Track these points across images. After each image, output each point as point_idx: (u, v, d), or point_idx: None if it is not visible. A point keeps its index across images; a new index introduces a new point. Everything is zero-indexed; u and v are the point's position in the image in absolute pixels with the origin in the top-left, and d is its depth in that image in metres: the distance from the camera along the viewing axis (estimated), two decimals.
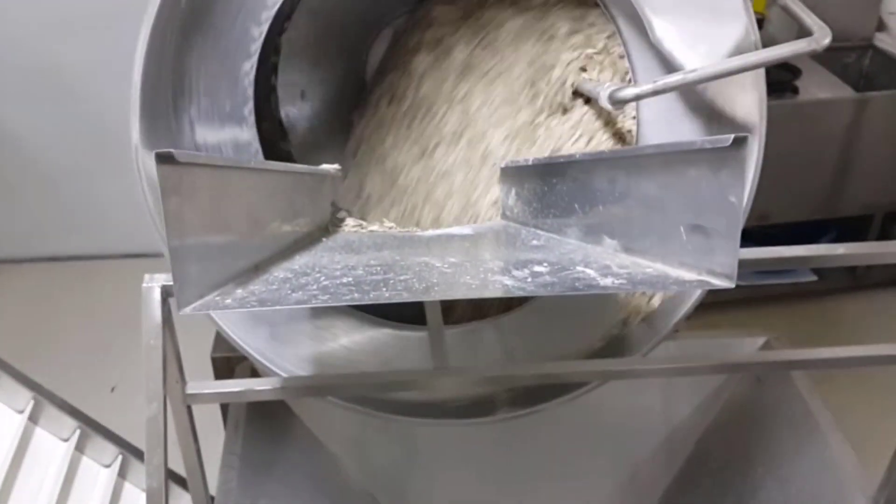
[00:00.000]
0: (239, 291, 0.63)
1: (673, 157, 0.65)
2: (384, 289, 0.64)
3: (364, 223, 1.10)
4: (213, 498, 1.00)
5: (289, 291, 0.63)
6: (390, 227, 1.12)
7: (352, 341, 0.99)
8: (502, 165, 1.06)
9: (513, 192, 1.05)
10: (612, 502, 1.14)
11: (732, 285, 0.61)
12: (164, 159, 0.54)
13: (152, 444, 0.72)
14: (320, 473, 1.16)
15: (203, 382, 0.81)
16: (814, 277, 2.31)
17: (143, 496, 0.75)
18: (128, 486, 1.07)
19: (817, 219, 2.20)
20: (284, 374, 0.91)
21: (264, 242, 0.75)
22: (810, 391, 1.16)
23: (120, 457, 1.06)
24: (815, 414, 1.13)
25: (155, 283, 0.74)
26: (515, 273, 0.68)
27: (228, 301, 0.60)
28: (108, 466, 1.05)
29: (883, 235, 2.23)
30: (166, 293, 0.73)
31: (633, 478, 1.12)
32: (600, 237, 0.78)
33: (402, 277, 0.68)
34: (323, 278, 0.68)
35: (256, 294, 0.63)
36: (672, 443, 1.14)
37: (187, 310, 0.58)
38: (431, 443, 1.16)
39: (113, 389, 2.05)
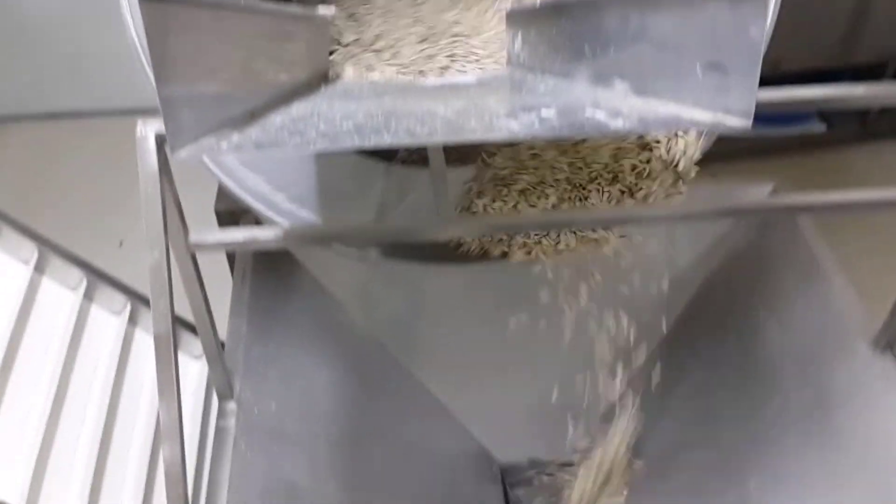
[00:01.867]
0: (235, 136, 0.61)
1: None
2: (385, 133, 0.62)
3: (364, 71, 1.06)
4: (223, 343, 1.02)
5: (286, 136, 0.61)
6: (391, 76, 1.09)
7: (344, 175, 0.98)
8: (508, 9, 1.01)
9: (519, 36, 1.00)
10: (615, 344, 1.16)
11: (749, 125, 0.59)
12: None
13: (157, 291, 0.72)
14: (327, 320, 1.18)
15: (206, 231, 0.81)
16: (823, 127, 2.26)
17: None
18: (139, 333, 1.09)
19: (830, 67, 2.12)
20: (286, 223, 0.91)
21: (260, 90, 0.72)
22: (815, 236, 1.16)
23: (129, 305, 1.07)
24: (820, 259, 1.13)
25: (149, 129, 0.71)
26: (522, 117, 0.66)
27: (224, 145, 0.58)
28: (118, 314, 1.06)
29: None
30: (161, 140, 0.71)
31: (635, 321, 1.14)
32: (611, 80, 0.74)
33: (404, 122, 0.65)
34: (322, 124, 0.66)
35: (253, 138, 0.61)
36: (675, 287, 1.15)
37: (181, 153, 0.56)
38: (438, 288, 1.17)
39: (121, 244, 2.07)
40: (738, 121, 0.59)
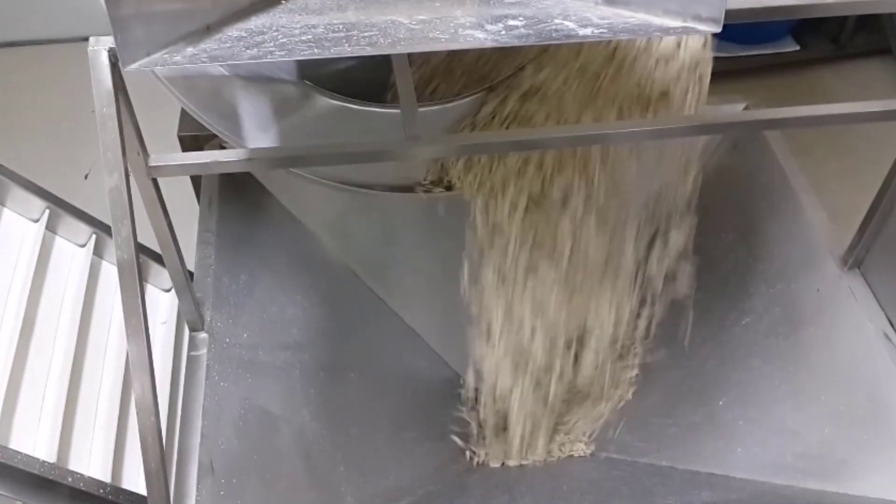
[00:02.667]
0: (189, 49, 0.59)
1: None
2: (346, 44, 0.60)
3: None
4: (191, 274, 1.01)
5: (243, 49, 0.59)
6: None
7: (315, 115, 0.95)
8: None
9: None
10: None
11: (719, 29, 0.57)
12: None
13: (118, 216, 0.70)
14: (298, 249, 1.16)
15: (166, 154, 0.78)
16: (796, 46, 2.25)
17: None
18: (105, 265, 1.07)
19: None
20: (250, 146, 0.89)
21: (216, 4, 0.69)
22: (787, 157, 1.16)
23: (94, 236, 1.05)
24: (791, 179, 1.13)
25: (101, 45, 0.68)
26: (489, 27, 0.64)
27: (177, 58, 0.56)
28: (83, 246, 1.04)
29: None
30: (115, 56, 0.68)
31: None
32: None
33: (365, 34, 0.63)
34: (280, 36, 0.63)
35: (208, 52, 0.59)
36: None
37: (132, 66, 0.54)
38: (409, 216, 1.15)
39: (86, 177, 2.02)
40: (708, 26, 0.58)
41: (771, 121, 0.87)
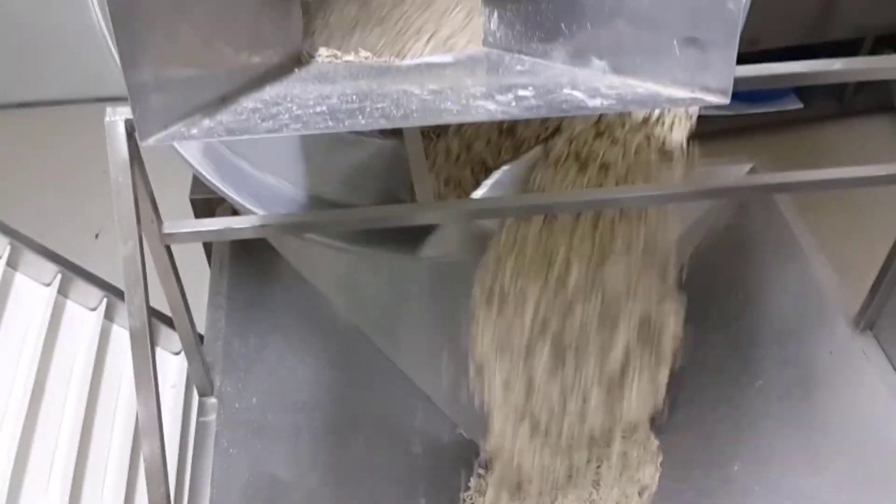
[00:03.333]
0: (206, 122, 0.60)
1: None
2: (360, 117, 0.60)
3: (339, 53, 1.05)
4: (202, 336, 1.01)
5: (259, 121, 0.60)
6: (366, 58, 1.07)
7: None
8: None
9: (495, 14, 0.99)
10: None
11: (727, 101, 0.58)
12: None
13: (131, 284, 0.71)
14: (307, 310, 1.17)
15: (180, 221, 0.79)
16: (799, 105, 2.27)
17: None
18: (116, 329, 1.07)
19: (807, 44, 2.13)
20: (261, 210, 0.89)
21: (231, 73, 0.70)
22: (794, 216, 1.16)
23: (105, 299, 1.05)
24: (799, 238, 1.13)
25: (118, 116, 0.70)
26: (499, 98, 0.65)
27: (194, 131, 0.57)
28: (93, 310, 1.04)
29: None
30: (131, 127, 0.70)
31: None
32: (588, 59, 0.74)
33: (378, 105, 0.64)
34: (295, 108, 0.64)
35: (224, 124, 0.59)
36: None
37: (150, 141, 0.55)
38: (418, 277, 1.16)
39: (97, 236, 2.04)
40: (716, 97, 0.59)
41: (778, 185, 0.88)
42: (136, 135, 0.59)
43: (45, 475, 0.89)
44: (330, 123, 0.58)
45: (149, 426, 0.75)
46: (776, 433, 1.07)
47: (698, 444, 1.16)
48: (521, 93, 0.66)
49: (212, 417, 0.93)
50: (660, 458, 1.20)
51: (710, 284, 1.17)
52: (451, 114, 0.61)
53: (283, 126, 0.58)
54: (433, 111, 0.61)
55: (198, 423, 0.91)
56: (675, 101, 0.60)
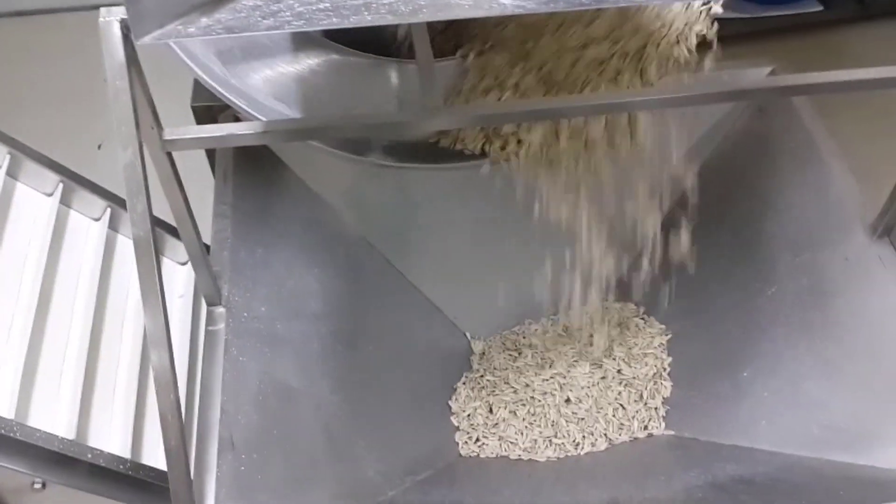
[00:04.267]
0: (203, 20, 0.57)
1: None
2: (366, 12, 0.57)
3: None
4: (208, 247, 1.00)
5: (259, 18, 0.57)
6: None
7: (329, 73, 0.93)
8: None
9: None
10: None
11: None
12: None
13: (133, 191, 0.69)
14: (314, 221, 1.15)
15: (181, 128, 0.77)
16: (819, 7, 2.20)
17: None
18: (121, 238, 1.06)
19: None
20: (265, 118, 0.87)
21: None
22: (814, 120, 1.13)
23: (109, 209, 1.04)
24: (818, 143, 1.10)
25: (113, 17, 0.66)
26: None
27: (191, 30, 0.54)
28: (97, 220, 1.03)
29: None
30: (127, 28, 0.66)
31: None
32: None
33: (385, 0, 0.61)
34: (297, 4, 0.61)
35: (223, 22, 0.56)
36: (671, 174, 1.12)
37: (146, 39, 0.52)
38: (427, 187, 1.14)
39: (100, 147, 2.01)
40: None
41: (798, 86, 0.84)
42: (132, 35, 0.56)
43: (55, 387, 0.90)
44: (334, 20, 0.55)
45: (157, 336, 0.75)
46: (786, 340, 1.06)
47: (708, 349, 1.15)
48: None
49: (220, 326, 0.92)
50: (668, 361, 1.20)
51: (726, 189, 1.14)
52: (462, 8, 0.57)
53: (285, 23, 0.55)
54: (443, 5, 0.57)
55: (206, 332, 0.91)
56: None
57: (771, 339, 1.08)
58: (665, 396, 1.17)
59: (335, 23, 0.55)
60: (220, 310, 0.94)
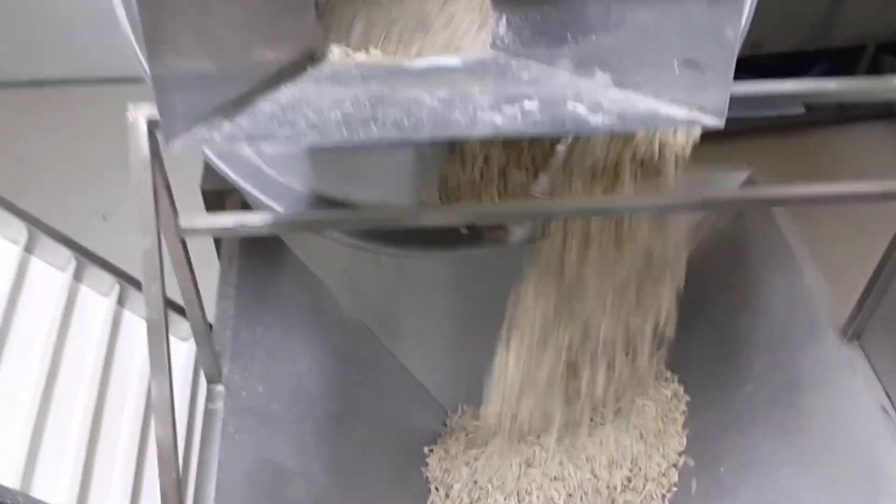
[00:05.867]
0: (226, 125, 0.63)
1: None
2: (373, 126, 0.63)
3: (350, 51, 1.07)
4: (210, 325, 1.04)
5: (276, 126, 0.63)
6: (377, 58, 1.10)
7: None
8: None
9: (504, 19, 1.02)
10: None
11: (721, 124, 0.61)
12: None
13: (149, 277, 0.74)
14: (313, 303, 1.20)
15: (196, 216, 0.82)
16: (801, 110, 2.29)
17: (143, 323, 0.78)
18: (127, 314, 1.10)
19: (811, 49, 2.16)
20: (275, 206, 0.92)
21: (249, 70, 0.73)
22: (789, 224, 1.19)
23: (118, 286, 1.08)
24: (792, 247, 1.16)
25: (140, 113, 0.72)
26: (506, 109, 0.68)
27: (216, 136, 0.60)
28: (106, 296, 1.08)
29: (873, 66, 2.21)
30: (152, 125, 0.72)
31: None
32: (592, 70, 0.77)
33: (391, 113, 0.67)
34: (311, 113, 0.67)
35: (244, 129, 0.62)
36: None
37: (176, 145, 0.58)
38: (419, 272, 1.19)
39: (105, 217, 2.06)
40: (711, 119, 0.62)
41: (773, 199, 0.90)
42: (161, 135, 0.62)
43: (59, 458, 0.92)
44: (345, 134, 0.61)
45: (162, 411, 0.78)
46: (763, 437, 1.10)
47: (689, 444, 1.19)
48: (527, 105, 0.69)
49: (219, 405, 0.96)
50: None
51: (705, 288, 1.20)
52: (459, 126, 0.64)
53: (301, 134, 0.61)
54: (443, 122, 0.63)
55: (206, 409, 0.95)
56: (672, 121, 0.63)
57: (749, 435, 1.12)
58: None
59: (346, 136, 0.61)
60: (220, 388, 0.98)
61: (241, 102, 0.69)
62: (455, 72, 0.93)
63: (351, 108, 0.70)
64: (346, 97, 0.75)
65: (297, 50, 0.94)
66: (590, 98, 0.70)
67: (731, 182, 1.25)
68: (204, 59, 0.64)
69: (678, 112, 0.64)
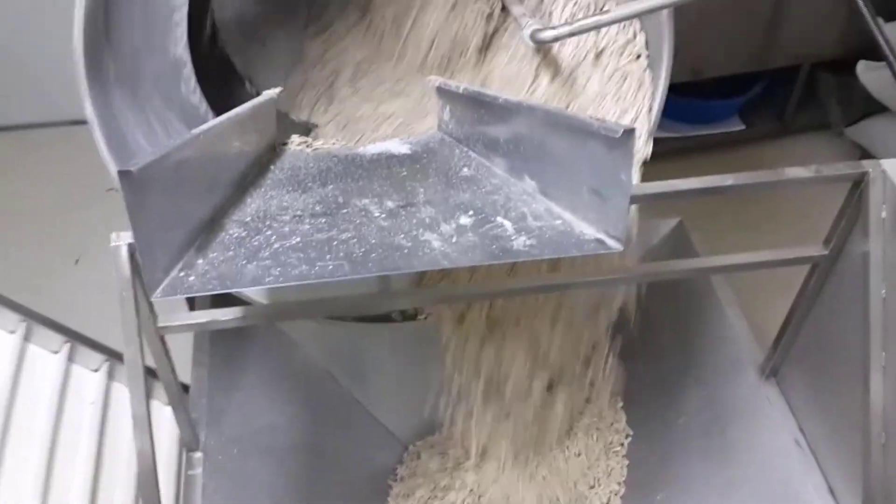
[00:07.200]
0: (200, 262, 0.71)
1: (576, 125, 0.73)
2: (328, 256, 0.72)
3: (309, 140, 1.17)
4: (186, 387, 1.13)
5: (244, 262, 0.72)
6: (334, 143, 1.20)
7: None
8: (437, 85, 1.13)
9: (447, 109, 1.12)
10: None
11: (621, 248, 0.71)
12: (125, 176, 0.61)
13: (133, 380, 0.83)
14: (283, 359, 1.30)
15: (172, 315, 0.91)
16: (742, 126, 2.42)
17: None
18: (116, 385, 1.19)
19: (748, 71, 2.27)
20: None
21: (217, 185, 0.82)
22: (718, 276, 1.30)
23: (107, 363, 1.17)
24: (717, 290, 1.28)
25: (122, 241, 0.82)
26: (443, 228, 0.77)
27: (192, 279, 0.69)
28: (96, 371, 1.16)
29: (809, 83, 2.33)
30: (132, 249, 0.82)
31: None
32: (522, 175, 0.86)
33: (343, 237, 0.76)
34: (274, 237, 0.76)
35: (216, 266, 0.71)
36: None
37: (157, 294, 0.66)
38: (382, 337, 1.29)
39: (77, 262, 2.11)
40: (613, 243, 0.71)
41: (707, 269, 1.02)
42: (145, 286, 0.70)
43: None
44: (304, 268, 0.70)
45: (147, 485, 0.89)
46: (696, 464, 1.23)
47: (629, 474, 1.31)
48: (462, 220, 0.79)
49: (198, 471, 1.06)
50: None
51: (644, 323, 1.31)
52: (402, 254, 0.73)
53: (266, 272, 0.70)
54: (387, 254, 0.72)
55: (186, 477, 1.04)
56: (581, 245, 0.72)
57: (683, 464, 1.24)
58: None
59: (304, 271, 0.70)
60: (198, 455, 1.08)
61: (211, 226, 0.78)
62: (403, 164, 1.03)
63: (309, 227, 0.79)
64: (304, 210, 0.85)
65: (260, 142, 1.04)
66: (517, 210, 0.80)
67: (662, 230, 1.37)
68: (182, 208, 0.72)
69: (588, 231, 0.74)
